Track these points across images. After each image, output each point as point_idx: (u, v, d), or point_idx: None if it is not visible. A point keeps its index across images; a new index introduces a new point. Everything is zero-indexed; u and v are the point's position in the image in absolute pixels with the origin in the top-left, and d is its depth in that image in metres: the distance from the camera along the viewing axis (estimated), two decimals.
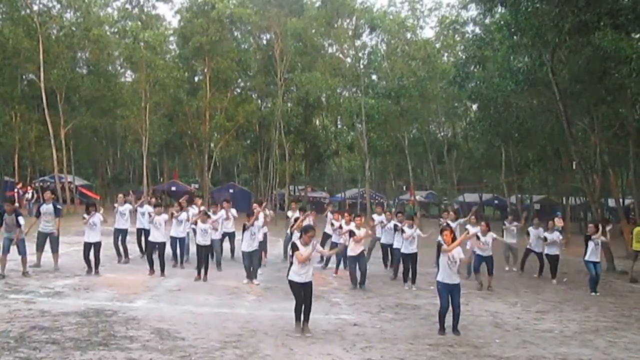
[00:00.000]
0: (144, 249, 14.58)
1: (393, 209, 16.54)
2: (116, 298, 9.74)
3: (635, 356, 7.80)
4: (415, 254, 12.47)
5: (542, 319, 9.97)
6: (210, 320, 8.50)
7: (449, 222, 15.43)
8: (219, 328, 8.03)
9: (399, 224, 13.32)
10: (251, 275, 11.94)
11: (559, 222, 23.78)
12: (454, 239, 8.55)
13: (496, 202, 48.39)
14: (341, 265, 13.64)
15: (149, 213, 13.84)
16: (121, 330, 7.62)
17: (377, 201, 43.30)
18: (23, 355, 6.30)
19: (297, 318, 8.11)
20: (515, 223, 16.20)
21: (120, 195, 14.68)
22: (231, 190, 43.74)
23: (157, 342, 7.13)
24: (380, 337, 8.14)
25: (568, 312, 10.69)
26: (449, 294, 8.37)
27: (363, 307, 10.20)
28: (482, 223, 13.32)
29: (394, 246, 13.45)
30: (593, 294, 12.79)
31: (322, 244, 14.78)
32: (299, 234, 9.45)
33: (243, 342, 7.37)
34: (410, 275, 12.58)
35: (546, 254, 14.56)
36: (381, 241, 14.67)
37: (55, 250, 12.47)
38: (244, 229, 11.87)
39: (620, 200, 27.23)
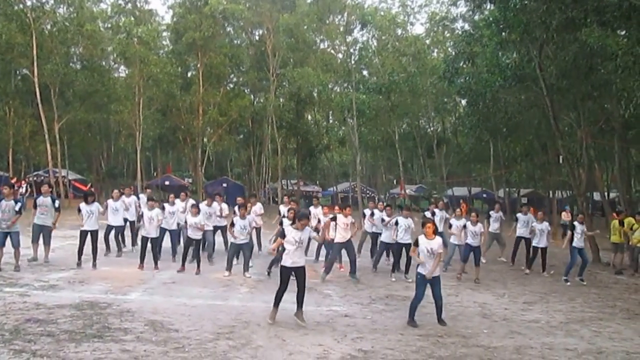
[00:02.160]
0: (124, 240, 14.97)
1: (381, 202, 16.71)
2: (110, 291, 9.79)
3: (619, 345, 7.96)
4: (410, 244, 12.55)
5: (529, 309, 10.13)
6: (204, 312, 8.57)
7: (436, 210, 15.73)
8: (213, 320, 8.09)
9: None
10: (231, 267, 11.96)
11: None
12: (435, 231, 8.73)
13: (484, 195, 48.81)
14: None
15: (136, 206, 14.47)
16: (115, 322, 7.65)
17: (368, 195, 43.63)
18: (18, 348, 6.32)
19: (276, 304, 8.19)
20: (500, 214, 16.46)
21: (116, 191, 14.82)
22: (224, 185, 43.92)
23: (151, 334, 7.19)
24: (371, 328, 8.24)
25: (554, 303, 10.87)
26: (428, 285, 8.47)
27: (354, 299, 10.31)
28: (472, 214, 13.38)
29: (381, 238, 13.67)
30: (577, 279, 13.15)
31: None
32: (290, 222, 9.50)
33: (236, 334, 7.44)
34: (404, 265, 12.83)
35: (534, 246, 14.56)
36: (372, 230, 14.83)
37: (47, 242, 12.55)
38: (232, 224, 11.95)
39: (605, 194, 27.55)
